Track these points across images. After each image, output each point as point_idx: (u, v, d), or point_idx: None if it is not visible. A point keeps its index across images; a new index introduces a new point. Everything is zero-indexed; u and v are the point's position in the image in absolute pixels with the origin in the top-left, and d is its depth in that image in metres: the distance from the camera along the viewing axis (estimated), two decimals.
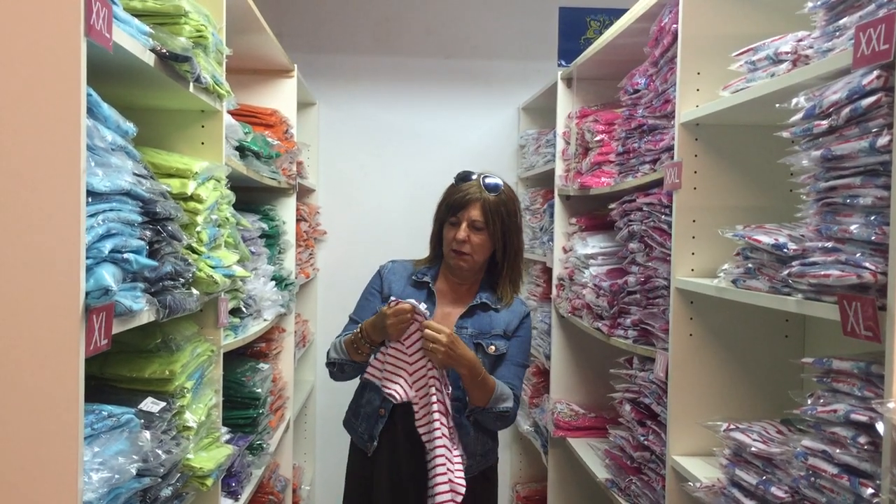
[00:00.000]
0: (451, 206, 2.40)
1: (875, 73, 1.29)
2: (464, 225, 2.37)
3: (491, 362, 2.41)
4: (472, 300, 2.45)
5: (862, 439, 1.32)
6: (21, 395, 1.22)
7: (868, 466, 1.31)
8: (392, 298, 2.31)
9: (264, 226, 2.91)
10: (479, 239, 2.38)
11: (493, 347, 2.41)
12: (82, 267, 1.23)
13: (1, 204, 1.21)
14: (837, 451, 1.38)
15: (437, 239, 2.51)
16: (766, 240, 1.66)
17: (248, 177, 2.53)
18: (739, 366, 2.16)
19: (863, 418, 1.32)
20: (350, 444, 2.57)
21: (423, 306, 2.24)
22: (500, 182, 2.44)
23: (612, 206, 2.71)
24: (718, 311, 2.13)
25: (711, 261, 2.10)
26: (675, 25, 2.19)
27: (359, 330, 2.34)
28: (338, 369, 2.43)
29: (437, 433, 2.24)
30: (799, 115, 1.50)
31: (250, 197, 3.13)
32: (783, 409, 1.93)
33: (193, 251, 1.80)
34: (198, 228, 1.81)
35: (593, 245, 3.04)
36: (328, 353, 2.47)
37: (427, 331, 2.22)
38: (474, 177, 2.44)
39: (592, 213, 3.29)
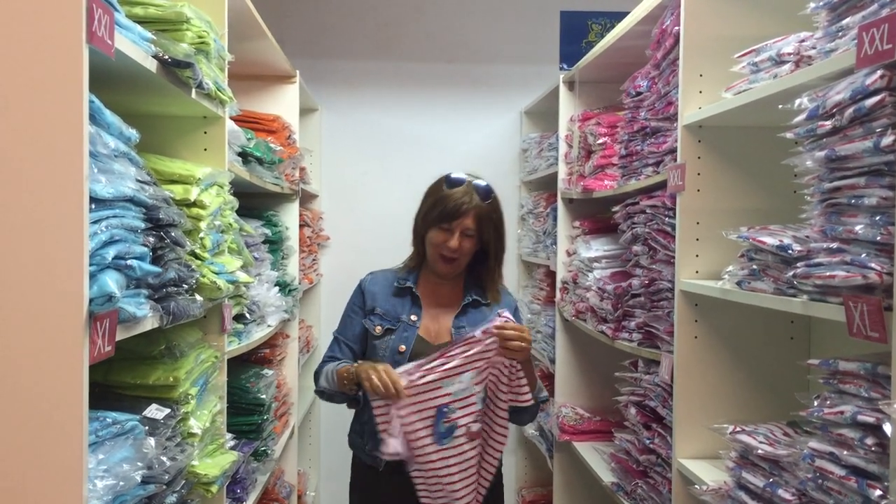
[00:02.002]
0: (444, 213, 2.37)
1: (878, 72, 1.28)
2: (457, 234, 2.35)
3: None
4: (461, 299, 2.44)
5: (869, 441, 1.32)
6: (25, 402, 1.22)
7: (876, 468, 1.31)
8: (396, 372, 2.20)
9: (267, 231, 2.91)
10: (469, 244, 2.39)
11: None
12: (86, 273, 1.23)
13: (4, 211, 1.21)
14: (845, 452, 1.37)
15: (421, 239, 2.49)
16: (770, 241, 1.65)
17: (250, 182, 2.53)
18: (745, 368, 2.16)
19: (870, 419, 1.32)
20: (353, 460, 2.55)
21: (411, 368, 2.17)
22: (489, 186, 2.42)
23: (616, 208, 2.71)
24: (723, 313, 2.12)
25: (716, 263, 2.09)
26: (676, 27, 2.19)
27: (352, 370, 2.28)
28: (327, 398, 2.42)
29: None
30: (802, 116, 1.50)
31: (253, 203, 3.13)
32: (789, 410, 1.92)
33: (197, 257, 1.80)
34: (201, 234, 1.81)
35: (597, 248, 3.04)
36: (317, 379, 2.42)
37: (510, 332, 2.16)
38: (464, 183, 2.39)
39: (596, 216, 3.28)
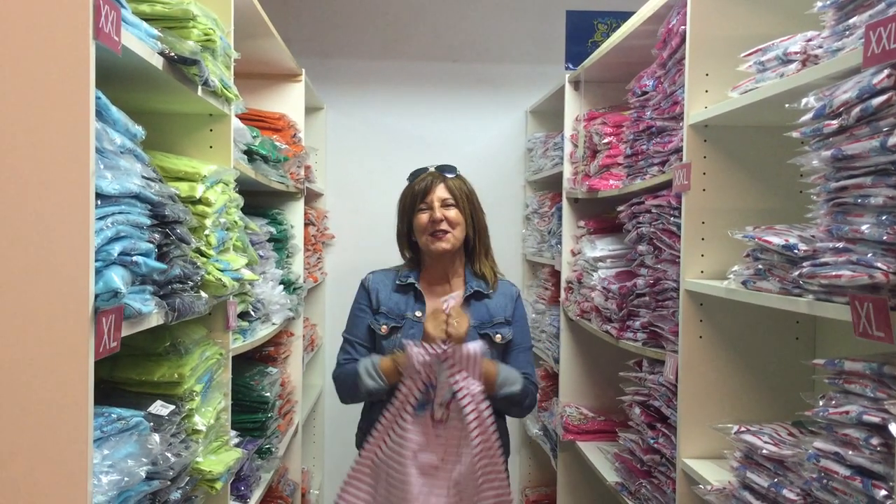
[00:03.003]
0: (416, 195, 2.46)
1: (885, 71, 1.28)
2: (436, 205, 2.41)
3: (500, 350, 2.46)
4: (463, 291, 2.46)
5: (874, 441, 1.31)
6: (31, 397, 1.23)
7: (881, 468, 1.31)
8: (406, 342, 2.28)
9: (272, 230, 2.91)
10: (454, 214, 2.43)
11: (499, 336, 2.46)
12: (91, 269, 1.24)
13: (10, 206, 1.22)
14: (850, 452, 1.37)
15: (406, 239, 2.53)
16: (776, 241, 1.65)
17: (256, 180, 2.53)
18: (750, 368, 2.15)
19: (875, 419, 1.32)
20: None
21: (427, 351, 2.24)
22: (454, 167, 2.54)
23: (621, 208, 2.71)
24: (728, 312, 2.12)
25: (721, 262, 2.09)
26: (683, 27, 2.19)
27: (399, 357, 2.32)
28: (373, 397, 2.39)
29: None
30: (809, 115, 1.49)
31: (258, 201, 3.13)
32: (794, 410, 1.92)
33: (202, 254, 1.81)
34: (206, 232, 1.82)
35: (602, 248, 3.04)
36: (355, 382, 2.37)
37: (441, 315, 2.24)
38: (426, 168, 2.54)
39: (601, 215, 3.28)
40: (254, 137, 2.55)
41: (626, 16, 2.77)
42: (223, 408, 2.01)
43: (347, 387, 2.42)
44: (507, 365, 2.43)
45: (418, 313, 2.42)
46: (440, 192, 2.44)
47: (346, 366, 2.45)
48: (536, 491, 4.31)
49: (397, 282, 2.50)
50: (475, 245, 2.51)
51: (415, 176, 2.53)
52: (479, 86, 4.52)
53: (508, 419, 2.57)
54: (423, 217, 2.43)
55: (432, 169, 2.52)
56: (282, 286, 2.94)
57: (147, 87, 1.72)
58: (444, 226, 2.41)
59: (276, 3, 4.21)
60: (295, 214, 3.39)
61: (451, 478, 2.24)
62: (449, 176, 2.48)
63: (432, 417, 2.27)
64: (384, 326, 2.42)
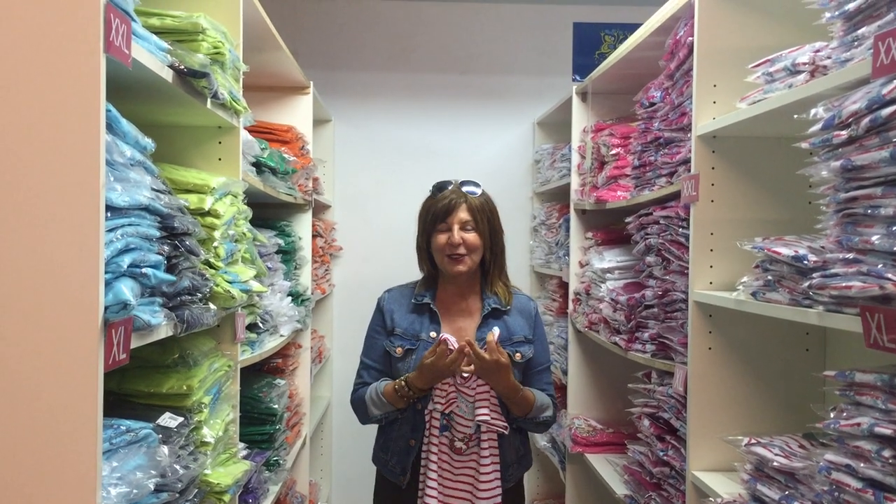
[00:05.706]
0: (437, 215, 2.44)
1: (895, 82, 1.28)
2: (455, 228, 2.40)
3: (520, 369, 2.44)
4: (480, 310, 2.45)
5: (886, 453, 1.30)
6: (40, 409, 1.23)
7: (893, 480, 1.30)
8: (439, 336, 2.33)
9: (280, 241, 2.92)
10: (472, 238, 2.41)
11: (518, 355, 2.44)
12: (101, 281, 1.24)
13: (21, 218, 1.22)
14: (861, 465, 1.36)
15: (426, 254, 2.52)
16: (785, 252, 1.64)
17: (264, 192, 2.54)
18: (760, 379, 2.14)
19: (887, 431, 1.31)
20: (377, 477, 2.55)
21: (452, 339, 2.29)
22: (477, 182, 2.51)
23: (629, 219, 2.70)
24: (738, 324, 2.11)
25: (730, 274, 2.08)
26: (690, 38, 2.19)
27: (403, 384, 2.35)
28: (385, 422, 2.46)
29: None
30: (818, 126, 1.49)
31: (266, 213, 3.14)
32: (805, 423, 1.91)
33: (211, 266, 1.81)
34: (215, 244, 1.82)
35: (610, 259, 3.03)
36: (360, 409, 2.45)
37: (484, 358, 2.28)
38: (451, 185, 2.49)
39: (608, 227, 3.28)
40: (262, 149, 2.56)
41: (633, 27, 2.78)
42: (231, 420, 2.01)
43: (361, 413, 2.48)
44: (530, 387, 2.43)
45: (433, 334, 2.41)
46: (461, 213, 2.41)
47: (358, 391, 2.48)
48: (545, 503, 4.29)
49: (413, 301, 2.49)
50: (490, 266, 2.50)
51: (438, 189, 2.49)
52: (487, 97, 4.53)
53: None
54: (442, 238, 2.42)
55: (456, 183, 2.49)
56: (290, 298, 2.94)
57: (157, 99, 1.73)
58: (461, 250, 2.40)
59: (284, 16, 4.24)
60: (303, 226, 3.40)
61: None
62: (472, 195, 2.46)
63: (452, 447, 2.35)
64: (399, 349, 2.42)
